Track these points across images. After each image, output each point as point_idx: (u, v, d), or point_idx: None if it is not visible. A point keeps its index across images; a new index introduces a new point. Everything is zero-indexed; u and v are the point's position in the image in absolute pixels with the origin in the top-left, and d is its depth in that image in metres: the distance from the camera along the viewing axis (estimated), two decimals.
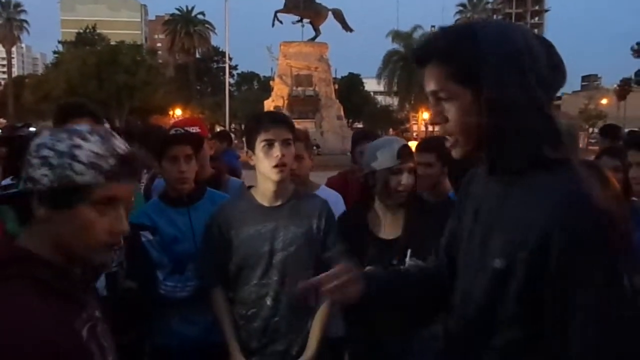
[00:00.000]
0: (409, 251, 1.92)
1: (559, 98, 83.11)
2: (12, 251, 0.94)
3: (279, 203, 1.96)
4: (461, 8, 55.84)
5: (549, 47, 1.00)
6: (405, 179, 2.00)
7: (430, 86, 1.02)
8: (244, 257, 1.93)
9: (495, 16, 69.79)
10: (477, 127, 0.98)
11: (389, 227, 2.06)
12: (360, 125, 36.84)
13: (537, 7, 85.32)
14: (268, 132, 1.86)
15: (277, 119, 1.92)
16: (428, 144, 2.72)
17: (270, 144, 1.86)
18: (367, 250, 1.98)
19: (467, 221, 1.11)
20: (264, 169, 1.89)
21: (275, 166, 1.85)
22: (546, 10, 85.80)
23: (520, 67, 0.95)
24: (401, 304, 1.22)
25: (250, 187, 2.07)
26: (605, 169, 2.22)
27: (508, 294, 0.95)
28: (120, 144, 0.98)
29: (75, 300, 0.97)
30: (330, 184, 2.85)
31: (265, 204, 1.96)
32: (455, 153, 1.05)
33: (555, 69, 0.99)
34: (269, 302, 1.91)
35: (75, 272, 1.01)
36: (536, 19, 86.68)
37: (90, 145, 0.93)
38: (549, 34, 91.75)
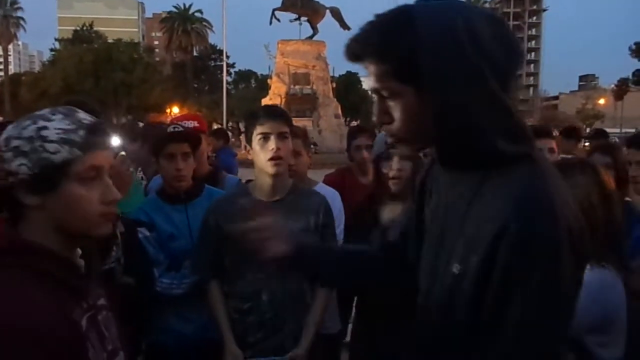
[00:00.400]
0: None
1: (556, 98, 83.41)
2: (12, 240, 0.94)
3: (276, 198, 1.96)
4: None
5: (498, 24, 0.89)
6: (396, 163, 2.01)
7: (371, 83, 0.93)
8: (239, 252, 1.93)
9: None
10: (424, 126, 0.90)
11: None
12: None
13: (535, 7, 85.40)
14: (264, 125, 1.87)
15: (273, 112, 1.93)
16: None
17: (266, 137, 1.86)
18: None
19: (428, 216, 1.07)
20: (260, 162, 1.89)
21: (271, 159, 1.86)
22: (544, 10, 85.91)
23: (463, 56, 0.84)
24: (319, 274, 1.27)
25: (248, 181, 2.07)
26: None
27: (466, 297, 0.89)
28: (85, 116, 0.99)
29: (74, 290, 0.98)
30: (328, 181, 2.85)
31: (263, 198, 1.96)
32: (400, 150, 1.00)
33: (507, 48, 0.88)
34: (264, 296, 1.91)
35: (77, 261, 1.02)
36: (534, 18, 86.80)
37: (56, 123, 0.94)
38: (547, 34, 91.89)
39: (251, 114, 1.99)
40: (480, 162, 0.90)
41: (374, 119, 1.00)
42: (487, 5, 58.54)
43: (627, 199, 2.39)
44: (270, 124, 1.86)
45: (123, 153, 2.14)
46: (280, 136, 1.87)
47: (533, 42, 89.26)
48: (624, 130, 35.84)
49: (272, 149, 1.85)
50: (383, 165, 2.05)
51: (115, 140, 1.79)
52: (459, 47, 0.84)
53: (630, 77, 42.90)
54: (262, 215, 1.90)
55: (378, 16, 0.92)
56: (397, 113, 0.92)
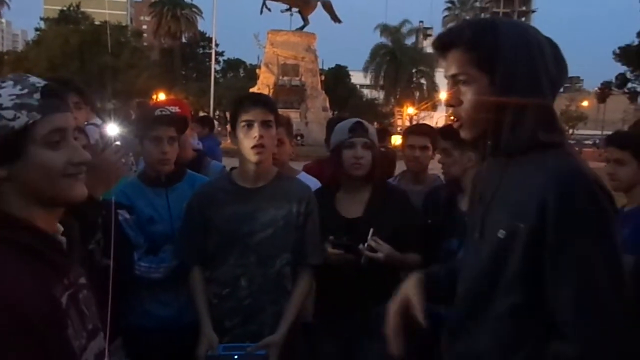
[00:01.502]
0: (371, 230, 2.02)
1: None
2: None
3: (259, 185, 1.97)
4: (450, 5, 56.00)
5: (554, 47, 1.13)
6: (359, 152, 2.09)
7: (452, 70, 1.13)
8: (222, 237, 1.95)
9: (482, 15, 70.12)
10: (487, 110, 1.10)
11: (352, 207, 2.17)
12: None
13: (524, 8, 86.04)
14: (248, 113, 1.88)
15: (257, 100, 1.94)
16: (422, 128, 2.92)
17: (249, 124, 1.87)
18: (331, 227, 2.08)
19: (475, 203, 1.24)
20: (244, 149, 1.90)
21: (254, 147, 1.87)
22: (533, 11, 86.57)
23: (531, 61, 1.08)
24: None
25: (233, 168, 2.08)
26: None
27: (510, 262, 1.06)
28: (37, 79, 0.97)
29: (55, 266, 0.97)
30: (306, 170, 2.87)
31: (246, 185, 1.97)
32: (463, 134, 1.16)
33: (559, 66, 1.12)
34: (243, 282, 1.93)
35: (57, 237, 1.00)
36: (523, 19, 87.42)
37: (7, 90, 0.92)
38: None
39: (237, 101, 1.99)
40: (525, 147, 1.09)
41: (447, 101, 1.17)
42: (477, 4, 58.73)
43: None
44: (255, 111, 1.87)
45: (117, 143, 2.13)
46: (264, 124, 1.88)
47: None
48: (605, 133, 36.40)
49: (255, 136, 1.86)
50: (344, 153, 2.11)
51: (111, 129, 1.76)
52: (530, 55, 1.08)
53: (614, 80, 43.55)
54: (244, 202, 1.93)
55: (468, 20, 1.20)
56: (468, 96, 1.12)
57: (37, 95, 0.93)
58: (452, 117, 1.22)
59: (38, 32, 42.22)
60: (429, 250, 2.16)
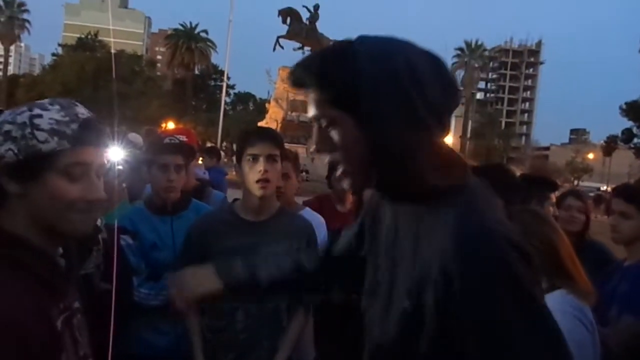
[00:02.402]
0: None
1: (547, 149, 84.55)
2: None
3: (262, 219, 1.97)
4: (459, 52, 57.12)
5: (439, 66, 0.91)
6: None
7: (311, 111, 0.94)
8: None
9: (492, 63, 71.45)
10: (362, 156, 0.90)
11: None
12: None
13: (532, 59, 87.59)
14: (254, 146, 1.89)
15: (264, 134, 1.95)
16: None
17: (255, 158, 1.88)
18: None
19: (375, 246, 1.06)
20: (248, 183, 1.91)
21: (258, 181, 1.87)
22: (541, 63, 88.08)
23: (401, 91, 0.86)
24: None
25: (235, 199, 2.08)
26: (571, 207, 2.67)
27: (419, 334, 0.88)
28: (83, 110, 0.97)
29: (53, 289, 0.96)
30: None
31: (248, 218, 1.97)
32: (347, 185, 0.96)
33: (445, 89, 0.90)
34: (239, 316, 1.90)
35: (57, 259, 0.99)
36: (531, 70, 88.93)
37: (51, 113, 0.93)
38: (543, 86, 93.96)
39: (243, 135, 2.01)
40: (414, 194, 0.92)
41: (317, 146, 0.97)
42: (486, 53, 59.88)
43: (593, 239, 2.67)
44: (261, 145, 1.89)
45: (120, 167, 2.14)
46: (270, 159, 1.89)
47: (528, 92, 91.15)
48: (610, 186, 36.35)
49: (260, 170, 1.86)
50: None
51: (115, 153, 1.78)
52: (397, 81, 0.86)
53: (620, 135, 43.86)
54: (244, 235, 1.92)
55: (321, 50, 0.96)
56: (337, 141, 0.92)
57: (74, 126, 0.93)
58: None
59: (55, 57, 43.26)
60: None
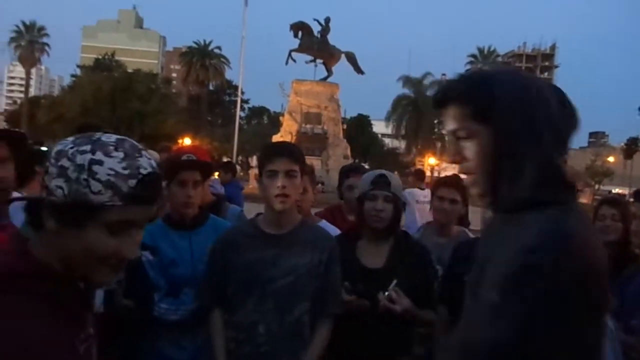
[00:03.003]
0: (394, 281, 2.02)
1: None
2: (28, 264, 0.90)
3: (283, 232, 1.99)
4: (472, 59, 56.92)
5: (561, 95, 1.06)
6: (379, 205, 2.12)
7: (450, 125, 1.09)
8: (242, 282, 1.96)
9: None
10: (491, 165, 1.04)
11: (374, 257, 2.17)
12: (366, 166, 37.13)
13: (547, 63, 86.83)
14: (273, 162, 1.93)
15: (282, 150, 1.99)
16: (453, 180, 2.83)
17: (273, 174, 1.91)
18: (351, 276, 2.07)
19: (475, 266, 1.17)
20: (268, 197, 1.94)
21: (277, 196, 1.91)
22: (556, 67, 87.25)
23: (531, 111, 1.00)
24: None
25: (259, 214, 2.11)
26: (605, 217, 2.44)
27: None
28: (146, 163, 0.90)
29: (78, 320, 0.95)
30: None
31: (269, 231, 2.00)
32: (473, 191, 1.10)
33: (567, 116, 1.04)
34: (261, 329, 1.92)
35: (80, 287, 0.97)
36: (545, 74, 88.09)
37: (112, 162, 0.86)
38: None
39: (263, 149, 2.06)
40: (522, 205, 1.01)
41: (451, 157, 1.11)
42: (499, 59, 59.58)
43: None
44: (279, 161, 1.92)
45: None
46: (288, 174, 1.91)
47: None
48: (633, 189, 35.69)
49: (278, 186, 1.90)
50: (365, 205, 2.14)
51: None
52: (529, 104, 1.01)
53: None
54: (266, 247, 1.94)
55: (461, 74, 1.12)
56: (470, 152, 1.06)
57: (132, 182, 0.87)
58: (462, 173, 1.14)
59: (73, 79, 44.22)
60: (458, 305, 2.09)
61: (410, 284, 2.06)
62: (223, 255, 2.00)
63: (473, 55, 57.14)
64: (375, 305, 2.00)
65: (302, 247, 1.97)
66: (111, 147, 0.88)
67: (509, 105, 1.01)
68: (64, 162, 0.86)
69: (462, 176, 1.13)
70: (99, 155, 0.86)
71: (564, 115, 1.03)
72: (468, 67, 56.19)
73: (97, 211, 0.85)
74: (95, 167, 0.85)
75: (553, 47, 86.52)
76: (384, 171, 2.25)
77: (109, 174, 0.85)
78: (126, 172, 0.87)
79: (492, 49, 57.77)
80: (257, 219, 2.07)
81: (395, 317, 2.00)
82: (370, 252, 2.20)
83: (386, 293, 1.99)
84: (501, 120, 1.01)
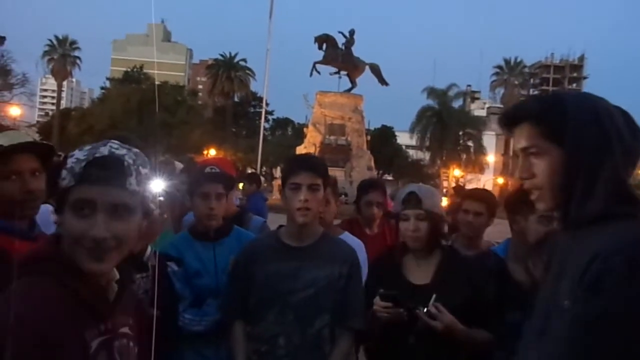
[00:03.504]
0: (433, 296, 1.92)
1: None
2: (50, 252, 1.02)
3: (304, 244, 2.00)
4: (498, 70, 56.34)
5: (627, 116, 1.13)
6: (412, 225, 2.05)
7: (522, 143, 1.15)
8: (263, 294, 1.97)
9: (532, 80, 70.04)
10: (560, 181, 1.09)
11: (420, 273, 2.09)
12: (390, 178, 36.92)
13: (575, 74, 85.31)
14: (296, 175, 1.95)
15: (305, 164, 2.00)
16: (479, 193, 2.83)
17: (297, 187, 1.93)
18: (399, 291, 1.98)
19: (548, 278, 1.19)
20: (290, 210, 1.96)
21: (299, 209, 1.92)
22: (584, 78, 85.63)
23: (602, 131, 1.07)
24: None
25: (281, 226, 2.13)
26: None
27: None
28: (105, 150, 1.02)
29: (93, 312, 1.01)
30: None
31: (291, 243, 2.01)
32: (539, 206, 1.16)
33: (634, 135, 1.11)
34: (281, 341, 1.92)
35: (103, 284, 1.05)
36: (574, 85, 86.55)
37: (78, 153, 1.02)
38: None
39: (287, 162, 2.08)
40: (594, 218, 1.06)
41: (520, 174, 1.16)
42: (526, 70, 58.83)
43: None
44: (302, 175, 1.94)
45: (161, 198, 2.22)
46: (311, 188, 1.93)
47: None
48: None
49: (301, 199, 1.91)
50: (400, 225, 2.10)
51: (156, 184, 1.86)
52: (600, 124, 1.07)
53: None
54: (287, 259, 1.95)
55: (534, 96, 1.22)
56: (540, 169, 1.12)
57: (83, 164, 1.00)
58: (528, 190, 1.18)
59: (103, 91, 45.40)
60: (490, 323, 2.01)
61: (458, 301, 1.95)
62: (246, 267, 2.02)
63: (499, 67, 56.54)
64: (411, 315, 1.91)
65: (323, 260, 1.98)
66: (99, 143, 1.04)
67: (582, 126, 1.07)
68: (68, 162, 1.02)
69: (533, 192, 1.16)
70: (76, 151, 1.02)
71: (632, 136, 1.09)
72: (494, 78, 55.66)
73: (65, 195, 0.99)
74: (68, 160, 1.01)
75: (582, 58, 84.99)
76: (414, 188, 2.12)
77: (72, 161, 1.00)
78: (83, 157, 1.00)
79: (518, 59, 57.07)
80: (279, 231, 2.09)
81: (438, 336, 1.90)
82: (416, 268, 2.11)
83: (425, 309, 1.90)
84: (574, 139, 1.07)
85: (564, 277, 1.07)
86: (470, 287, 2.04)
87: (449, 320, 1.89)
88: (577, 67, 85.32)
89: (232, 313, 2.04)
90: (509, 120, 1.19)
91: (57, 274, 0.98)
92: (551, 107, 1.12)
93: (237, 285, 2.05)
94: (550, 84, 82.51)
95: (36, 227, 1.61)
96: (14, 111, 34.35)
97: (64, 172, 0.99)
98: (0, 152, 1.50)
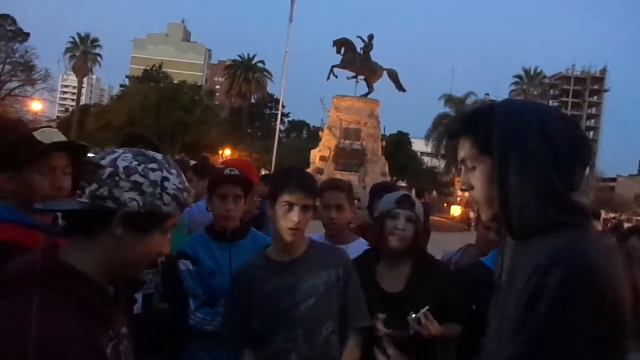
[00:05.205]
0: (427, 307, 1.96)
1: (614, 180, 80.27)
2: (56, 264, 0.97)
3: (294, 256, 1.96)
4: (517, 80, 55.89)
5: (569, 124, 1.10)
6: (401, 223, 2.10)
7: (460, 155, 1.16)
8: (266, 314, 1.92)
9: (551, 91, 69.28)
10: (493, 194, 1.09)
11: (393, 280, 2.13)
12: (403, 184, 36.77)
13: (596, 87, 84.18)
14: (291, 194, 1.88)
15: (302, 184, 1.92)
16: None
17: (290, 206, 1.88)
18: (371, 301, 2.02)
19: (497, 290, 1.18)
20: (280, 228, 1.91)
21: (290, 229, 1.88)
22: (605, 90, 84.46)
23: (530, 141, 1.05)
24: None
25: (266, 246, 2.07)
26: (635, 248, 2.29)
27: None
28: (183, 179, 1.09)
29: (104, 319, 1.00)
30: None
31: (279, 259, 1.97)
32: (482, 216, 1.16)
33: (575, 144, 1.07)
34: (293, 357, 1.88)
35: (108, 290, 1.04)
36: (595, 97, 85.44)
37: (174, 178, 1.04)
38: (607, 115, 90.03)
39: (282, 176, 2.00)
40: (535, 229, 1.04)
41: (460, 185, 1.18)
42: (545, 81, 58.26)
43: None
44: (298, 195, 1.88)
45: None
46: (304, 208, 1.89)
47: (592, 120, 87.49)
48: None
49: (294, 220, 1.87)
50: (387, 223, 2.13)
51: None
52: (526, 135, 1.05)
53: None
54: (279, 276, 1.92)
55: (471, 107, 1.17)
56: (476, 180, 1.12)
57: (185, 194, 1.06)
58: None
59: (122, 88, 45.97)
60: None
61: (434, 307, 1.99)
62: (244, 286, 1.96)
63: (518, 76, 56.12)
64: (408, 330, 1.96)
65: (317, 267, 1.95)
66: (167, 165, 1.06)
67: (508, 135, 1.06)
68: (137, 178, 1.01)
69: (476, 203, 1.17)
70: (165, 174, 1.04)
71: (571, 146, 1.06)
72: (513, 87, 55.24)
73: (163, 219, 1.03)
74: (166, 184, 1.03)
75: (603, 71, 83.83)
76: (407, 192, 2.28)
77: (174, 189, 1.04)
78: (182, 186, 1.06)
79: (538, 70, 56.63)
80: (267, 250, 2.02)
81: (425, 340, 1.96)
82: (389, 275, 2.16)
83: (413, 315, 1.95)
84: (499, 149, 1.06)
85: (512, 286, 1.07)
86: (440, 293, 2.09)
87: (436, 330, 1.95)
88: (599, 79, 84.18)
89: (237, 344, 1.97)
90: (450, 133, 1.20)
91: (67, 286, 0.95)
92: (480, 117, 1.12)
93: (235, 311, 1.98)
94: (570, 95, 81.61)
95: (58, 224, 1.63)
96: (36, 106, 34.93)
97: (166, 198, 1.02)
98: (40, 150, 1.53)
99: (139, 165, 1.01)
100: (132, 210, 0.99)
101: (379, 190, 3.13)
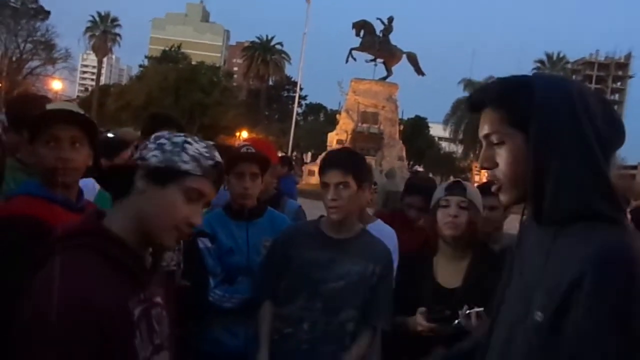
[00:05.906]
0: (465, 306, 1.82)
1: (635, 167, 78.83)
2: (92, 225, 1.07)
3: (342, 237, 2.02)
4: (539, 64, 54.79)
5: (606, 104, 1.00)
6: (453, 210, 1.97)
7: (484, 130, 1.04)
8: (295, 278, 2.00)
9: (574, 77, 67.83)
10: (525, 173, 0.98)
11: (450, 275, 2.01)
12: (420, 169, 36.54)
13: (620, 73, 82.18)
14: (325, 174, 1.97)
15: (334, 162, 1.98)
16: (486, 187, 2.70)
17: (326, 186, 1.96)
18: (427, 296, 1.95)
19: (516, 276, 1.09)
20: (325, 206, 2.00)
21: (329, 207, 1.96)
22: (630, 77, 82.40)
23: (574, 118, 0.95)
24: None
25: (322, 216, 2.11)
26: None
27: (549, 348, 0.91)
28: (219, 156, 1.14)
29: (135, 281, 1.07)
30: (378, 217, 2.82)
31: (329, 234, 2.03)
32: (502, 198, 1.05)
33: (612, 126, 0.98)
34: (305, 326, 1.95)
35: (144, 256, 1.12)
36: (618, 83, 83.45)
37: (199, 146, 1.11)
38: (630, 101, 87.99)
39: (322, 159, 2.06)
40: (572, 217, 0.95)
41: (481, 163, 1.05)
42: (569, 66, 57.02)
43: None
44: (330, 174, 1.95)
45: None
46: (339, 186, 1.93)
47: (615, 107, 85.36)
48: None
49: (329, 199, 1.94)
50: (439, 212, 2.01)
51: None
52: (572, 109, 0.95)
53: None
54: (324, 249, 1.95)
55: (500, 78, 1.06)
56: (502, 158, 1.01)
57: (210, 162, 1.11)
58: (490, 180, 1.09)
59: (141, 69, 46.21)
60: None
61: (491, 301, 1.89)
62: (283, 250, 2.05)
63: (540, 61, 54.99)
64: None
65: (358, 255, 1.99)
66: (195, 138, 1.14)
67: (550, 110, 0.95)
68: (162, 141, 1.11)
69: (495, 183, 1.05)
70: (190, 140, 1.12)
71: (610, 127, 0.98)
72: (534, 72, 54.11)
73: (180, 176, 1.07)
74: (187, 145, 1.10)
75: (628, 56, 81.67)
76: (459, 179, 2.18)
77: (195, 151, 1.10)
78: (207, 154, 1.11)
79: (561, 55, 55.41)
80: (320, 220, 2.10)
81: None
82: (446, 269, 2.03)
83: (467, 311, 1.80)
84: (539, 125, 0.95)
85: (538, 286, 0.97)
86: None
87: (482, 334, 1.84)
88: (623, 65, 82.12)
89: (263, 292, 2.08)
90: (473, 105, 1.07)
91: (100, 246, 1.03)
92: (515, 89, 1.00)
93: (271, 266, 2.08)
94: (594, 81, 79.81)
95: (82, 199, 1.66)
96: (56, 85, 35.36)
97: (185, 156, 1.07)
98: (42, 119, 1.53)
99: (168, 134, 1.13)
100: (152, 165, 1.07)
101: (409, 188, 2.94)
